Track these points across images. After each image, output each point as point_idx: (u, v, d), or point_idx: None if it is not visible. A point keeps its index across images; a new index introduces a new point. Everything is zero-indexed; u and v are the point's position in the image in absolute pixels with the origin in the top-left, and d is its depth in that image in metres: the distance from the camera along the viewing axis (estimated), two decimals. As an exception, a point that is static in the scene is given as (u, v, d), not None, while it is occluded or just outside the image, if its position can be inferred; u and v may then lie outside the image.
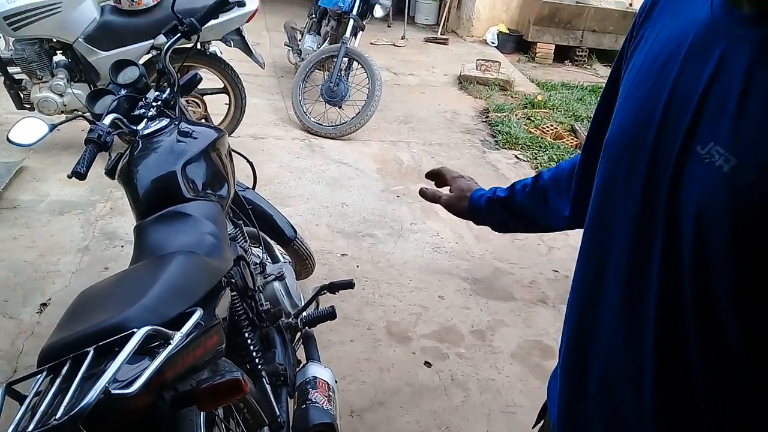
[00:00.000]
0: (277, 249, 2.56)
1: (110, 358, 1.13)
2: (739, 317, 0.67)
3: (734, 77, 0.66)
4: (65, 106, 3.84)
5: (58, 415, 1.02)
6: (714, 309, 0.68)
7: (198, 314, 1.32)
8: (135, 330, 1.16)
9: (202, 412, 1.39)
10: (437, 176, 1.51)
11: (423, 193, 1.49)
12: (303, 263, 2.75)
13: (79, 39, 3.72)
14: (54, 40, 3.78)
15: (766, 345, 0.67)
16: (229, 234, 2.01)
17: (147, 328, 1.17)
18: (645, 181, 0.74)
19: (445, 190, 1.48)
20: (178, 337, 1.22)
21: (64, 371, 1.14)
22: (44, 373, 1.18)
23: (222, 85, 4.23)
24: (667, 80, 0.73)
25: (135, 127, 2.02)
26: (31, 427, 1.03)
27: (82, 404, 1.01)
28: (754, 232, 0.64)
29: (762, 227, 0.63)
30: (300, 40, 5.80)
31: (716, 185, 0.66)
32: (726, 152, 0.65)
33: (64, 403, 1.04)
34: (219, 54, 4.15)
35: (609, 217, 0.81)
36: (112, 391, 1.06)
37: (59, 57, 3.92)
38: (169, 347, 1.19)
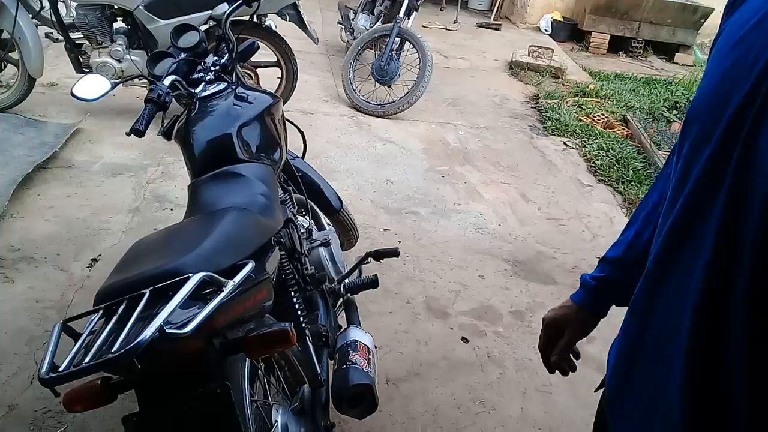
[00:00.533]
0: (323, 218, 2.60)
1: (165, 301, 1.17)
2: None
3: None
4: (123, 71, 3.93)
5: (114, 348, 1.07)
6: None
7: (250, 266, 1.36)
8: (190, 275, 1.21)
9: (247, 363, 1.44)
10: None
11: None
12: (347, 234, 2.78)
13: (140, 6, 3.80)
14: (115, 6, 3.87)
15: None
16: (279, 198, 2.05)
17: (202, 273, 1.22)
18: (719, 143, 0.72)
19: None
20: (230, 285, 1.27)
21: (119, 311, 1.19)
22: (100, 312, 1.23)
23: (275, 59, 4.28)
24: (753, 47, 0.71)
25: (193, 90, 2.08)
26: (86, 360, 1.08)
27: (138, 340, 1.06)
28: None
29: None
30: (353, 19, 5.82)
31: None
32: None
33: (120, 340, 1.09)
34: (274, 28, 4.20)
35: (683, 185, 0.78)
36: (167, 331, 1.11)
37: (119, 24, 4.01)
38: (222, 294, 1.24)
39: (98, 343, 1.13)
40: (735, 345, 0.69)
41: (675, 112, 5.52)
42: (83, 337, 1.19)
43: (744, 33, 0.73)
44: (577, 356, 1.26)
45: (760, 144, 0.66)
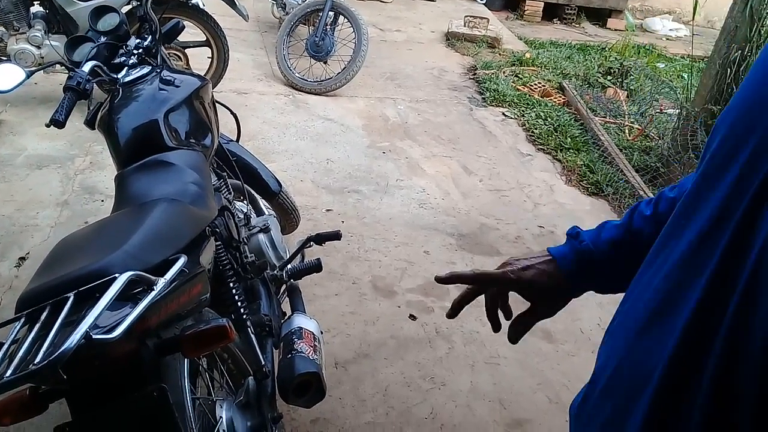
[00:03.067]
0: (262, 203, 2.53)
1: (91, 304, 1.10)
2: None
3: None
4: (42, 58, 3.73)
5: (37, 360, 1.00)
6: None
7: (182, 261, 1.30)
8: (117, 275, 1.14)
9: (186, 361, 1.39)
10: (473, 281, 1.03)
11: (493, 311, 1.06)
12: (288, 217, 2.72)
13: (57, -12, 3.61)
14: (31, -11, 3.67)
15: None
16: (213, 185, 1.98)
17: (129, 273, 1.15)
18: (747, 161, 0.63)
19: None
20: (161, 283, 1.20)
21: (42, 317, 1.12)
22: (22, 320, 1.15)
23: (204, 39, 4.14)
24: None
25: (115, 75, 1.98)
26: (8, 373, 1.01)
27: (61, 349, 0.99)
28: None
29: None
30: (284, -6, 5.68)
31: None
32: None
33: (44, 349, 1.02)
34: (201, 5, 4.04)
35: (701, 200, 0.68)
36: (94, 337, 1.04)
37: (36, 8, 3.80)
38: (152, 293, 1.17)
39: (21, 353, 1.05)
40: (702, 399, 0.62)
41: (609, 77, 5.59)
42: (6, 346, 1.11)
43: None
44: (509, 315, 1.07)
45: None
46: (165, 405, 1.18)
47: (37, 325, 1.10)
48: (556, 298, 1.01)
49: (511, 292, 1.04)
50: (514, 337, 1.05)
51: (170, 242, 1.39)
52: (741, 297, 0.59)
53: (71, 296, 1.12)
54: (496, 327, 1.06)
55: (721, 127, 0.70)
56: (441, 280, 1.04)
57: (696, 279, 0.64)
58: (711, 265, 0.63)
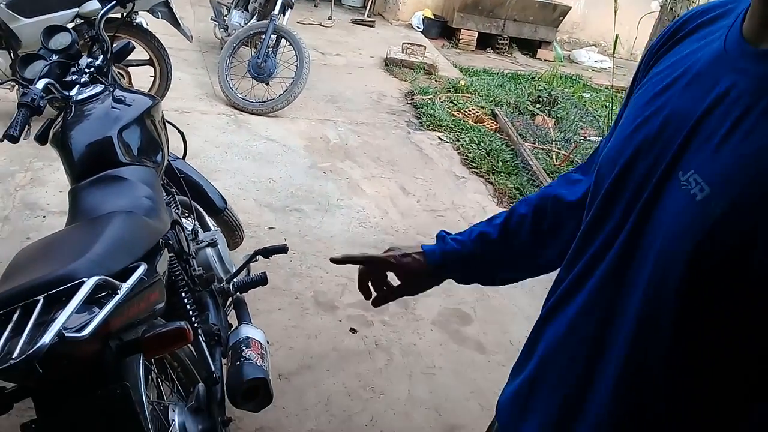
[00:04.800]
0: (208, 219, 2.61)
1: (59, 307, 1.19)
2: (676, 347, 0.69)
3: (731, 110, 0.67)
4: (-17, 72, 3.71)
5: (15, 355, 1.07)
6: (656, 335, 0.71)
7: (142, 268, 1.39)
8: (85, 279, 1.22)
9: (141, 366, 1.46)
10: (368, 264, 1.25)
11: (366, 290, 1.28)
12: (232, 234, 2.80)
13: (1, 5, 3.60)
14: (-29, 4, 3.64)
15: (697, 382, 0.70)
16: (164, 200, 2.05)
17: (97, 277, 1.23)
18: (627, 201, 0.75)
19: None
20: (125, 287, 1.29)
21: (15, 318, 1.19)
22: None
23: (147, 57, 4.18)
24: (666, 106, 0.75)
25: (68, 93, 2.04)
26: (-15, 369, 1.08)
27: (39, 344, 1.07)
28: (707, 268, 0.65)
29: (717, 264, 0.64)
30: (227, 15, 5.76)
31: (686, 213, 0.67)
32: (702, 181, 0.66)
33: (19, 345, 1.10)
34: (145, 25, 4.10)
35: (593, 235, 0.81)
36: (66, 335, 1.12)
37: (-23, 22, 3.77)
38: (117, 296, 1.26)
39: None
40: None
41: (538, 105, 5.89)
42: None
43: (659, 90, 0.78)
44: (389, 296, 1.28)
45: (658, 213, 0.71)
46: (127, 402, 1.26)
47: (10, 326, 1.17)
48: (421, 282, 1.22)
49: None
50: (378, 302, 1.30)
51: (129, 251, 1.47)
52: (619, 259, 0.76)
53: (41, 299, 1.20)
54: (367, 296, 1.29)
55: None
56: (336, 260, 1.28)
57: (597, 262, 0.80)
58: (597, 243, 0.80)
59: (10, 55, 3.74)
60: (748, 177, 0.63)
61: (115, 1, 2.26)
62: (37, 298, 1.20)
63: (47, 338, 1.08)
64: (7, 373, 1.08)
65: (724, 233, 0.63)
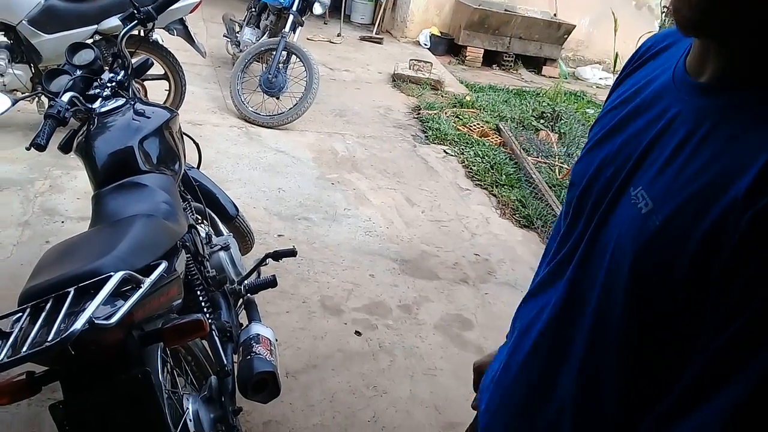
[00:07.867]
0: (221, 225, 2.74)
1: (89, 298, 1.31)
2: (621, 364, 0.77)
3: (674, 136, 0.74)
4: (5, 86, 3.86)
5: (50, 338, 1.20)
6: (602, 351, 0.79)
7: (164, 265, 1.52)
8: (112, 273, 1.35)
9: (159, 356, 1.59)
10: None
11: None
12: (243, 239, 2.93)
13: (23, 21, 3.77)
14: (-3, 21, 3.82)
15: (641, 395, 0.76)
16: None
17: (123, 272, 1.36)
18: (590, 210, 0.85)
19: None
20: (148, 282, 1.42)
21: (47, 308, 1.32)
22: (28, 311, 1.35)
23: (162, 72, 4.34)
24: (625, 127, 0.84)
25: (91, 106, 2.18)
26: (24, 349, 1.20)
27: (71, 329, 1.19)
28: (646, 273, 0.72)
29: (651, 271, 0.72)
30: (239, 32, 5.93)
31: (633, 224, 0.74)
32: (647, 197, 0.74)
33: (53, 331, 1.22)
34: (161, 42, 4.26)
35: (567, 238, 0.91)
36: (96, 322, 1.25)
37: (1, 38, 3.94)
38: (141, 290, 1.38)
39: (31, 335, 1.25)
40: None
41: (542, 121, 6.02)
42: (17, 330, 1.30)
43: (620, 111, 0.86)
44: None
45: (613, 222, 0.80)
46: (149, 386, 1.39)
47: (43, 314, 1.30)
48: None
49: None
50: None
51: (151, 250, 1.60)
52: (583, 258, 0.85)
53: (72, 291, 1.33)
54: None
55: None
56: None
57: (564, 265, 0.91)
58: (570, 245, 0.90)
59: (31, 69, 3.91)
60: (682, 196, 0.70)
61: (136, 21, 2.40)
62: (69, 289, 1.33)
63: (79, 324, 1.21)
64: (42, 354, 1.20)
65: (659, 244, 0.71)
